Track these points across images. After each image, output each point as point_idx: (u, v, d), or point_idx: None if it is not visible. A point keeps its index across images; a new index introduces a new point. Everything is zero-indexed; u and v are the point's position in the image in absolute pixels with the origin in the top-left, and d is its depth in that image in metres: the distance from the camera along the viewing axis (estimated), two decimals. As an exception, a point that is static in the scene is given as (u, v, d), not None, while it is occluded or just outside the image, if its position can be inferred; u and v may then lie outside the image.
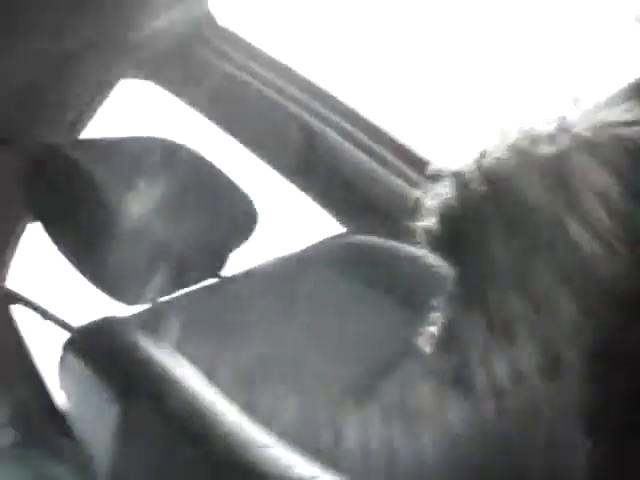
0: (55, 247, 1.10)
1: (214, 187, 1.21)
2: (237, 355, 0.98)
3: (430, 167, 0.59)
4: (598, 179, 0.48)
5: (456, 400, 0.62)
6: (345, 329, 1.06)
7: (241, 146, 1.49)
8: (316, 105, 1.43)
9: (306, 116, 1.42)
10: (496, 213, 0.50)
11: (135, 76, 1.53)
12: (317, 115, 1.42)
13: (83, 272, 1.09)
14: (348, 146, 1.40)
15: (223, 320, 1.07)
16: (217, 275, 1.23)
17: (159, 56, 1.47)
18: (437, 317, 0.57)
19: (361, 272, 1.18)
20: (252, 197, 1.23)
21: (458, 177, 0.54)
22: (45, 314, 2.08)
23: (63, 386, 1.01)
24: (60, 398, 1.54)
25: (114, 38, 1.32)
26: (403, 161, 1.38)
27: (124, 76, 1.50)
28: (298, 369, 1.00)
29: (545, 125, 0.52)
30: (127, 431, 0.83)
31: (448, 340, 0.54)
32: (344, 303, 1.12)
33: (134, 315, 1.07)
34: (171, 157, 1.19)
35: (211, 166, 1.23)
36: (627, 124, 0.50)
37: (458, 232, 0.53)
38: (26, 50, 1.11)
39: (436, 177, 0.58)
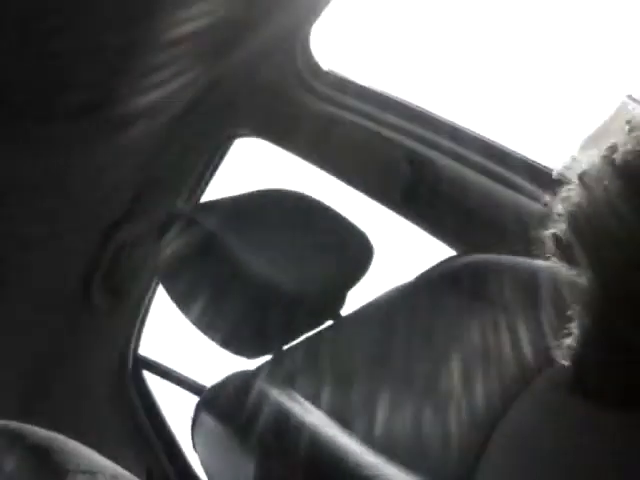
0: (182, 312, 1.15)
1: (325, 224, 1.23)
2: (363, 398, 0.97)
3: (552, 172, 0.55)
4: None
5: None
6: (471, 348, 1.03)
7: (348, 185, 1.50)
8: (421, 131, 1.41)
9: (413, 144, 1.40)
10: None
11: (245, 135, 1.58)
12: (423, 141, 1.40)
13: (208, 333, 1.13)
14: (455, 165, 1.37)
15: (344, 361, 1.06)
16: (338, 315, 1.23)
17: (266, 110, 1.52)
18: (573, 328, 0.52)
19: (483, 288, 1.13)
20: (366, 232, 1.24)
21: (587, 177, 0.50)
22: (177, 379, 2.19)
23: (197, 446, 1.03)
24: (194, 462, 1.59)
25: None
26: (516, 173, 1.33)
27: (236, 136, 1.57)
28: (426, 398, 0.97)
29: None
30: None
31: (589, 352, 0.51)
32: (466, 321, 1.08)
33: (260, 367, 1.08)
34: (285, 205, 1.23)
35: (325, 208, 1.24)
36: None
37: (593, 233, 0.49)
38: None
39: (558, 185, 0.55)
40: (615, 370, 0.50)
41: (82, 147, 1.22)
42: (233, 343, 1.13)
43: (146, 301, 1.75)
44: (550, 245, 0.53)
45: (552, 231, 0.52)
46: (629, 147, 0.48)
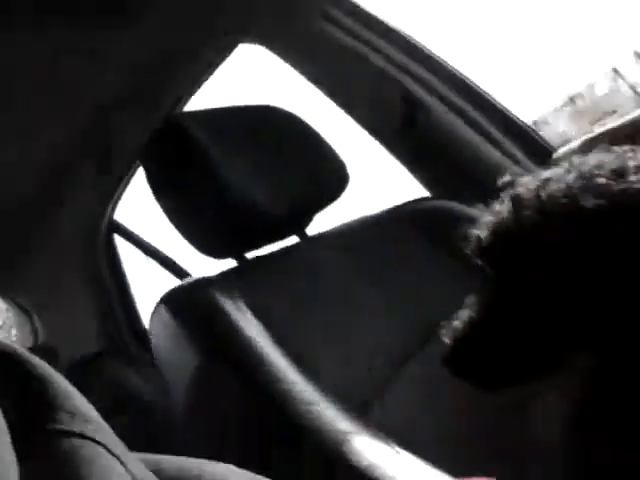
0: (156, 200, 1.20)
1: (307, 147, 1.25)
2: (311, 318, 1.04)
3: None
4: None
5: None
6: (410, 291, 1.09)
7: (340, 110, 1.52)
8: (421, 73, 1.41)
9: (411, 85, 1.41)
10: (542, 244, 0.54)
11: (251, 41, 1.57)
12: (422, 83, 1.41)
13: (178, 226, 1.19)
14: (446, 112, 1.39)
15: (302, 282, 1.11)
16: (303, 233, 1.28)
17: (276, 23, 1.51)
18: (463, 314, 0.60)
19: (435, 235, 1.18)
20: (345, 160, 1.28)
21: (515, 201, 0.57)
22: (146, 250, 2.30)
23: (152, 332, 1.10)
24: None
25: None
26: (501, 130, 1.35)
27: (241, 40, 1.57)
28: (364, 329, 1.04)
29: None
30: (202, 383, 0.93)
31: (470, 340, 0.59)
32: (416, 266, 1.14)
33: (222, 274, 1.14)
34: (270, 121, 1.25)
35: (306, 127, 1.27)
36: None
37: (505, 250, 0.58)
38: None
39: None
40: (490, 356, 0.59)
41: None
42: (199, 241, 1.19)
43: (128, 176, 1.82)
44: (473, 243, 0.61)
45: (477, 232, 0.60)
46: (554, 189, 0.55)
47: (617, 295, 0.51)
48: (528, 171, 1.12)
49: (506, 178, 0.63)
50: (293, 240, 1.29)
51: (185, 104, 1.66)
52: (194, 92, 1.63)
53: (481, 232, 0.60)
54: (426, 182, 1.45)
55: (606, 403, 0.56)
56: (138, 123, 1.61)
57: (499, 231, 0.58)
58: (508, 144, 1.32)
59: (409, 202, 1.33)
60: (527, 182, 0.59)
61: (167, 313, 1.01)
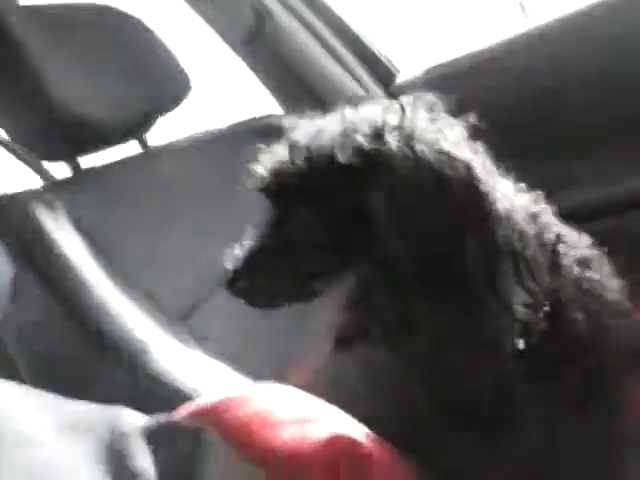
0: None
1: (146, 52, 1.20)
2: (140, 232, 1.03)
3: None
4: None
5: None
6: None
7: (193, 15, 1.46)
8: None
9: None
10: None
11: None
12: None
13: (8, 130, 1.12)
14: (298, 29, 1.37)
15: (137, 195, 1.10)
16: (141, 139, 1.25)
17: None
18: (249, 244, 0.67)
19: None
20: (185, 66, 1.24)
21: (291, 147, 0.66)
22: None
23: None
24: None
25: None
26: (349, 50, 1.36)
27: None
28: (193, 243, 1.06)
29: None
30: (17, 294, 0.91)
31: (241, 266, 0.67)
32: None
33: (48, 186, 1.09)
34: (107, 22, 1.18)
35: (144, 29, 1.21)
36: None
37: (277, 188, 0.67)
38: None
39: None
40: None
41: None
42: (25, 140, 1.13)
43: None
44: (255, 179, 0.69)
45: (260, 170, 0.68)
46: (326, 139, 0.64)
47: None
48: (369, 92, 1.17)
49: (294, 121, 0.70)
50: (134, 145, 1.26)
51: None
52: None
53: (262, 170, 0.68)
54: (276, 95, 1.44)
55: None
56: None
57: (275, 172, 0.67)
58: (354, 63, 1.34)
59: (255, 118, 1.32)
60: (305, 129, 0.67)
61: None
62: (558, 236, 0.71)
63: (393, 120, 0.65)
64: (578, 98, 1.17)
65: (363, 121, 0.65)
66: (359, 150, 0.62)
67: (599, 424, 0.69)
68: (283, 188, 0.66)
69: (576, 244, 0.73)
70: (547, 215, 0.73)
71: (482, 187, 0.62)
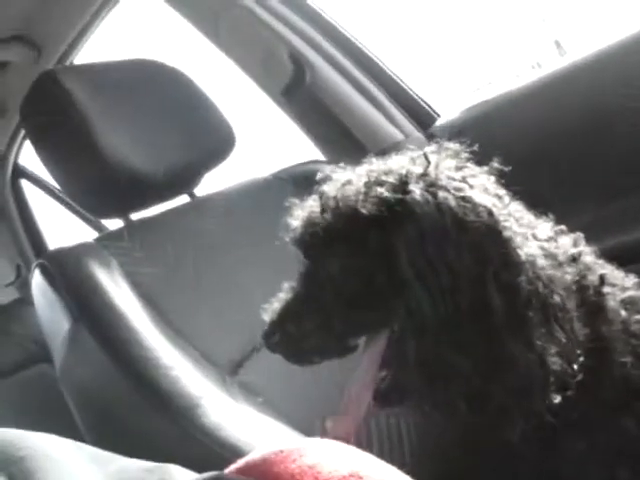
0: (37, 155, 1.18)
1: (193, 107, 1.24)
2: (188, 284, 1.07)
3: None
4: None
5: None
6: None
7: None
8: (310, 32, 1.42)
9: (299, 44, 1.42)
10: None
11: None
12: (310, 42, 1.42)
13: (59, 181, 1.17)
14: (338, 78, 1.41)
15: (183, 246, 1.13)
16: (191, 194, 1.29)
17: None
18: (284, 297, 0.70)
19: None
20: (231, 121, 1.28)
21: (321, 198, 0.68)
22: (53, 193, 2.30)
23: (33, 291, 1.10)
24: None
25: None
26: (388, 95, 1.39)
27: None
28: (239, 293, 1.08)
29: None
30: (71, 347, 0.95)
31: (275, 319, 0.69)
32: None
33: (100, 238, 1.13)
34: (155, 78, 1.23)
35: (191, 85, 1.26)
36: None
37: (310, 240, 0.69)
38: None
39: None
40: None
41: None
42: (80, 199, 1.19)
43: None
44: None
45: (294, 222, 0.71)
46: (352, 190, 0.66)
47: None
48: (408, 136, 1.18)
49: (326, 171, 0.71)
50: (183, 200, 1.30)
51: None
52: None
53: (295, 221, 0.70)
54: (317, 143, 1.47)
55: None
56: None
57: (305, 223, 0.69)
58: (392, 109, 1.36)
59: (296, 165, 1.35)
60: (336, 179, 0.69)
61: (41, 277, 1.02)
62: (602, 277, 0.70)
63: (418, 169, 0.66)
64: (619, 136, 1.15)
65: (388, 171, 0.66)
66: (382, 200, 0.63)
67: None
68: (313, 239, 0.68)
69: (622, 285, 0.72)
70: (589, 256, 0.72)
71: (505, 233, 0.62)
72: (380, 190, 0.64)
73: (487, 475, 0.67)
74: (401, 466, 0.73)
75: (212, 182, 1.36)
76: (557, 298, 0.63)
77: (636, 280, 0.74)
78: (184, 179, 1.25)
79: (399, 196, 0.63)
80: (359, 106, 1.38)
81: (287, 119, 1.51)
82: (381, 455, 0.75)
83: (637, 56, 1.18)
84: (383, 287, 0.64)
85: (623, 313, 0.69)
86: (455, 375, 0.61)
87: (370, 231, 0.64)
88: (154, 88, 1.22)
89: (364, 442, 0.94)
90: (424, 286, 0.61)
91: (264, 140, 1.77)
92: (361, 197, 0.64)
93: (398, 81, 1.41)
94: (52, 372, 1.06)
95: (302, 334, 0.67)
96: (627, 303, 0.70)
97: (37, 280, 1.05)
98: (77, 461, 0.49)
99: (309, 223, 0.68)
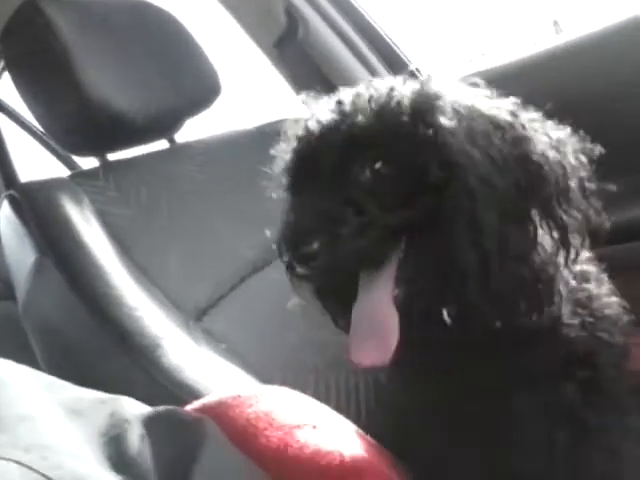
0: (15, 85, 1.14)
1: (180, 51, 1.22)
2: (159, 227, 1.06)
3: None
4: None
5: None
6: (266, 213, 1.12)
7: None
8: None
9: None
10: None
11: None
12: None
13: (36, 115, 1.14)
14: (331, 37, 1.39)
15: (159, 190, 1.11)
16: (170, 139, 1.27)
17: None
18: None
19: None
20: (217, 69, 1.25)
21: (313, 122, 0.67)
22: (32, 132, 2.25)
23: (1, 222, 1.09)
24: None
25: None
26: (379, 57, 1.37)
27: None
28: (211, 240, 1.08)
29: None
30: (37, 278, 0.94)
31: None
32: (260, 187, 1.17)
33: (74, 175, 1.12)
34: (143, 18, 1.20)
35: (181, 29, 1.23)
36: None
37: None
38: None
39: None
40: None
41: None
42: (56, 134, 1.15)
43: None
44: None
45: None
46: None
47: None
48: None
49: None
50: (162, 145, 1.28)
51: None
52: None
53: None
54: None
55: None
56: None
57: (336, 125, 0.65)
58: (385, 73, 1.34)
59: (281, 120, 1.33)
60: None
61: (10, 208, 1.00)
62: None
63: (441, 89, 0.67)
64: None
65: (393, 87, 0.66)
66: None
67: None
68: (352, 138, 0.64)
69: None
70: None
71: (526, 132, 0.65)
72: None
73: (439, 434, 0.69)
74: (356, 421, 0.75)
75: (193, 129, 1.34)
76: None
77: (588, 255, 0.74)
78: (165, 123, 1.23)
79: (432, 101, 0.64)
80: (349, 66, 1.36)
81: (276, 73, 1.50)
82: (338, 410, 0.77)
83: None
84: (433, 179, 0.62)
85: (572, 282, 0.70)
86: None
87: (417, 126, 0.63)
88: (141, 28, 1.18)
89: (323, 396, 0.95)
90: (476, 170, 0.61)
91: (251, 93, 1.74)
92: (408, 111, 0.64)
93: (393, 47, 1.39)
94: (16, 310, 1.05)
95: (343, 241, 0.61)
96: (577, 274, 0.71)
97: (5, 212, 1.03)
98: (31, 387, 0.49)
99: (339, 125, 0.65)
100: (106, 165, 1.15)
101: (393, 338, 0.62)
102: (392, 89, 0.66)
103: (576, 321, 0.68)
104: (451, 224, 0.61)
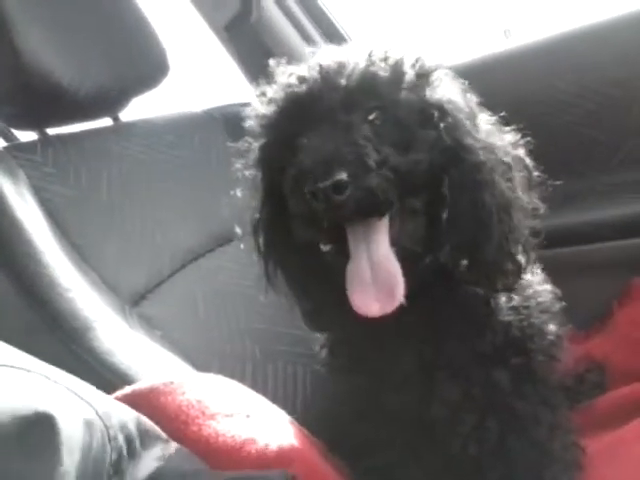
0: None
1: (129, 26, 1.17)
2: (99, 207, 1.02)
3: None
4: None
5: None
6: (210, 198, 1.10)
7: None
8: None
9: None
10: None
11: None
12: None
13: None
14: (284, 23, 1.37)
15: (99, 169, 1.08)
16: (114, 117, 1.23)
17: None
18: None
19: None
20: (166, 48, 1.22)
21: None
22: None
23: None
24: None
25: None
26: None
27: None
28: (151, 224, 1.05)
29: None
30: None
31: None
32: (221, 172, 1.14)
33: (9, 148, 1.06)
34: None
35: (131, 6, 1.18)
36: None
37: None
38: None
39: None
40: None
41: None
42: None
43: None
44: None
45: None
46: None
47: None
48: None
49: None
50: (106, 122, 1.24)
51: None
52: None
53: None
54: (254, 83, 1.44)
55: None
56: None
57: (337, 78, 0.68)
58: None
59: (229, 105, 1.31)
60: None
61: None
62: None
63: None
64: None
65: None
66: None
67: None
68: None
69: None
70: None
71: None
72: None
73: (368, 427, 0.69)
74: (292, 411, 0.75)
75: (139, 109, 1.30)
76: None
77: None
78: (108, 100, 1.18)
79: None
80: (299, 52, 1.35)
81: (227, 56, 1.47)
82: (274, 400, 0.76)
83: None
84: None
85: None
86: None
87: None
88: (89, 2, 1.14)
89: (260, 385, 0.94)
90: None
91: (200, 75, 1.71)
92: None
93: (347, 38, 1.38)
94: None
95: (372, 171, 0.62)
96: None
97: None
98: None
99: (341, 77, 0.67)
100: (45, 139, 1.10)
101: (400, 288, 0.63)
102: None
103: (511, 304, 0.70)
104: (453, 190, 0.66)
